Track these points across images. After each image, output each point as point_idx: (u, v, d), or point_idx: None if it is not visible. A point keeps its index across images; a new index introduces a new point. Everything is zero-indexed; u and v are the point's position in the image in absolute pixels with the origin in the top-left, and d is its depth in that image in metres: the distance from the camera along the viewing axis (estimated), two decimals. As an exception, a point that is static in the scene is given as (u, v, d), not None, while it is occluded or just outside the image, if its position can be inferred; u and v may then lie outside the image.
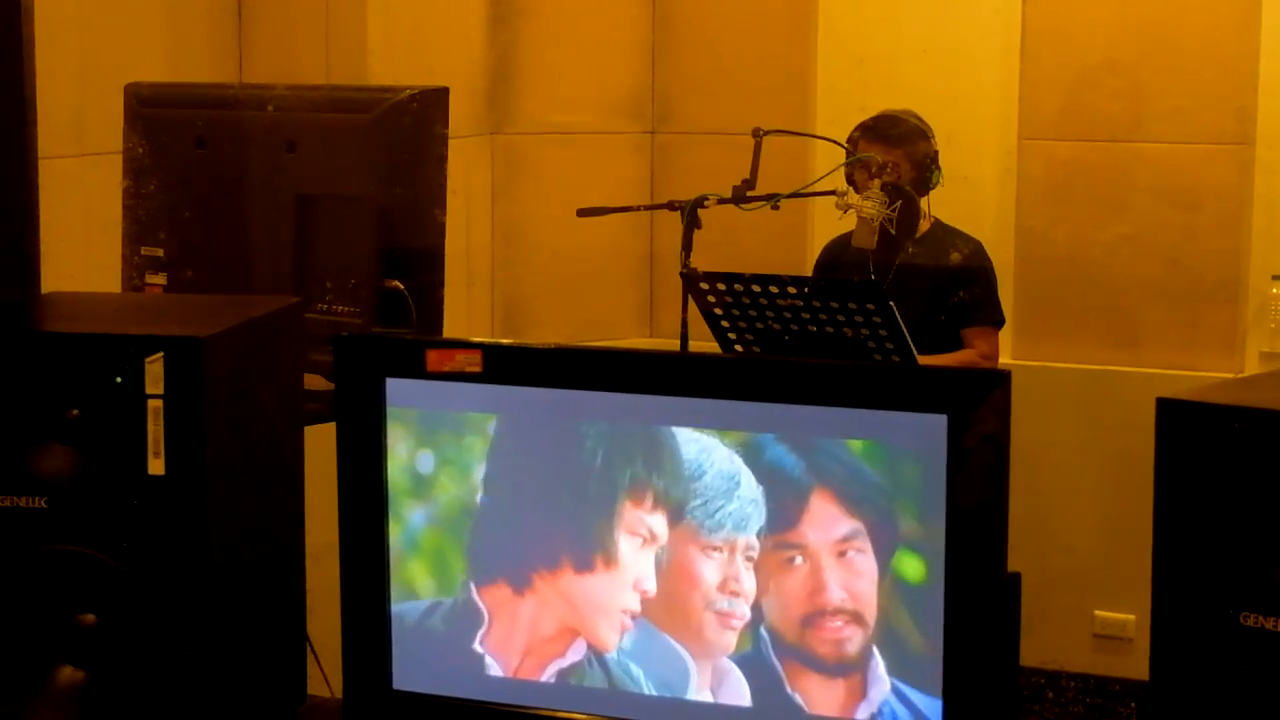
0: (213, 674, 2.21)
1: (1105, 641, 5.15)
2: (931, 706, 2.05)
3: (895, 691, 2.07)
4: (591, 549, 2.18)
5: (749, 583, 2.11)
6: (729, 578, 2.12)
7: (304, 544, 2.52)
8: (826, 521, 2.07)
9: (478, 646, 2.26)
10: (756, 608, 2.11)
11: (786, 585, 2.10)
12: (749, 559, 2.11)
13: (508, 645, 2.25)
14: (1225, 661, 1.97)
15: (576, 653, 2.21)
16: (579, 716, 2.22)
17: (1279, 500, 1.92)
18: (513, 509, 2.23)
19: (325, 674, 2.72)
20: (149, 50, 4.32)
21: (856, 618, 2.07)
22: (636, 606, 2.17)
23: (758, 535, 2.10)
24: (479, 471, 2.23)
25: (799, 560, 2.09)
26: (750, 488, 2.10)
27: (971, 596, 2.01)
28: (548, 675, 2.22)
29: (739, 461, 2.11)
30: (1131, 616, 5.02)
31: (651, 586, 2.16)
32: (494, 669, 2.25)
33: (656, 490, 2.14)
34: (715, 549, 2.12)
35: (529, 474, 2.22)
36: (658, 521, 2.14)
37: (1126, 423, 4.70)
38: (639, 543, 2.15)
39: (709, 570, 2.13)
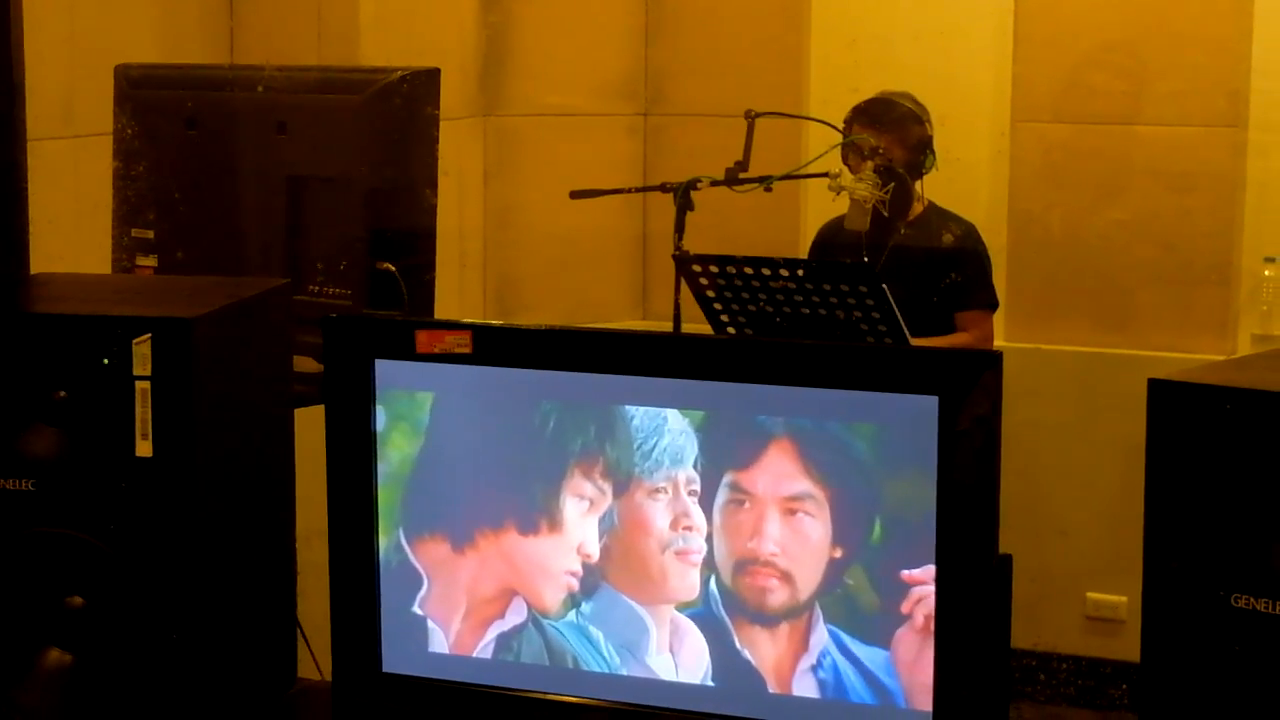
0: (201, 657, 2.21)
1: (1097, 624, 5.15)
2: (873, 655, 2.07)
3: (834, 639, 2.08)
4: (537, 512, 2.19)
5: (699, 518, 2.13)
6: (679, 515, 2.13)
7: (294, 527, 2.51)
8: (781, 475, 2.08)
9: (417, 609, 2.26)
10: (710, 542, 2.12)
11: (730, 524, 2.11)
12: (693, 493, 2.12)
13: (447, 607, 2.25)
14: (1217, 643, 1.97)
15: (517, 614, 2.22)
16: (568, 698, 2.22)
17: (1271, 482, 1.92)
18: (455, 468, 2.23)
19: (315, 657, 2.71)
20: (139, 31, 4.30)
21: (786, 576, 2.09)
22: (579, 569, 2.18)
23: (695, 467, 2.11)
24: (424, 427, 2.23)
25: (746, 505, 2.10)
26: (676, 420, 2.12)
27: (963, 579, 2.01)
28: (488, 638, 2.23)
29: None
30: (1123, 598, 5.01)
31: (595, 550, 2.17)
32: (436, 633, 2.26)
33: (608, 460, 2.15)
34: (659, 490, 2.13)
35: (475, 436, 2.22)
36: (605, 488, 2.15)
37: (1118, 405, 4.68)
38: (585, 507, 2.17)
39: (658, 513, 2.14)
